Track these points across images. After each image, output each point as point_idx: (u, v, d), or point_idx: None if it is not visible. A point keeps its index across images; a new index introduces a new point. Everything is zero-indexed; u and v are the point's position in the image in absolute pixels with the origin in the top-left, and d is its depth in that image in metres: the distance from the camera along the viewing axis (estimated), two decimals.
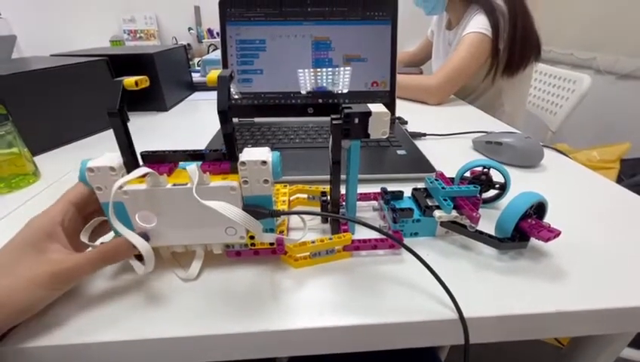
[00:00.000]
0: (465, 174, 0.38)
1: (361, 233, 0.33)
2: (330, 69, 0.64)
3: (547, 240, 0.29)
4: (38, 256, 0.23)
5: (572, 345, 0.41)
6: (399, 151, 0.51)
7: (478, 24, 0.84)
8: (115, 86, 0.25)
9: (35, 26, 1.78)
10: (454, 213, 0.32)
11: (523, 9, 0.85)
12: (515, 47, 0.85)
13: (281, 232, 0.32)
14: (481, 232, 0.31)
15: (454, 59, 0.85)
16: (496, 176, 0.38)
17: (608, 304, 0.26)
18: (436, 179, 0.35)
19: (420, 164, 0.48)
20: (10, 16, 1.37)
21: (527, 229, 0.30)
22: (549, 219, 0.31)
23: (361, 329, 0.25)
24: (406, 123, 0.68)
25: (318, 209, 0.37)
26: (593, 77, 1.05)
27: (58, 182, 0.46)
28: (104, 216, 0.27)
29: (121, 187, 0.24)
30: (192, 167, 0.24)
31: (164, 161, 0.27)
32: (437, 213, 0.32)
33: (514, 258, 0.31)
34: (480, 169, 0.39)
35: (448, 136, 0.62)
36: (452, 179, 0.38)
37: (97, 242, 0.28)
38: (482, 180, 0.39)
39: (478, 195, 0.33)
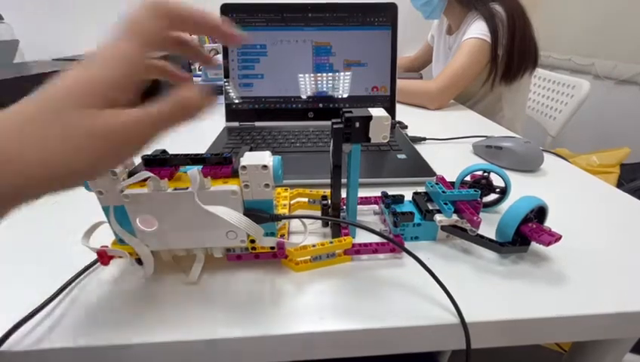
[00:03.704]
0: (465, 178, 0.39)
1: (362, 237, 0.33)
2: (330, 74, 0.65)
3: (548, 244, 0.29)
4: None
5: (573, 350, 0.41)
6: (400, 156, 0.51)
7: (477, 30, 0.85)
8: None
9: (38, 31, 1.79)
10: (455, 217, 0.32)
11: (522, 20, 0.85)
12: (513, 58, 0.86)
13: (282, 236, 0.32)
14: (482, 236, 0.31)
15: (454, 64, 0.85)
16: (497, 181, 0.38)
17: (610, 309, 0.26)
18: (437, 183, 0.35)
19: (420, 168, 0.48)
20: (13, 21, 1.38)
21: (527, 233, 0.30)
22: (549, 223, 0.31)
23: (362, 333, 0.25)
24: (406, 127, 0.68)
25: (318, 213, 0.37)
26: (592, 82, 1.06)
27: None
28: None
29: (121, 191, 0.24)
30: (193, 171, 0.24)
31: (165, 164, 0.27)
32: (438, 216, 0.32)
33: (515, 262, 0.31)
34: (480, 173, 0.39)
35: (448, 141, 0.62)
36: (452, 184, 0.38)
37: (97, 245, 0.28)
38: (482, 184, 0.39)
39: (479, 199, 0.33)
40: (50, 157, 0.16)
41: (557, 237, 0.29)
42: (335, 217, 0.33)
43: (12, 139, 0.16)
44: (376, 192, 0.38)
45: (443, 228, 0.33)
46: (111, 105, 0.17)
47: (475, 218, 0.31)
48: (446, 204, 0.32)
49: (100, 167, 0.19)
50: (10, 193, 0.16)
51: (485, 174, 0.39)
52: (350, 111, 0.28)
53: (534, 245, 0.31)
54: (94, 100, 0.17)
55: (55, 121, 0.16)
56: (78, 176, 0.18)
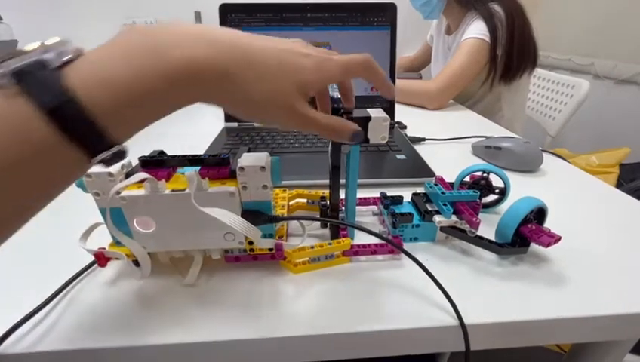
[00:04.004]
0: (464, 179, 0.38)
1: (361, 238, 0.33)
2: None
3: (547, 245, 0.29)
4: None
5: (573, 351, 0.40)
6: (399, 156, 0.51)
7: (476, 30, 0.85)
8: None
9: (36, 31, 1.79)
10: (454, 218, 0.32)
11: (521, 20, 0.85)
12: (512, 58, 0.86)
13: (280, 237, 0.31)
14: (481, 237, 0.31)
15: (453, 65, 0.85)
16: (496, 181, 0.38)
17: (609, 310, 0.26)
18: (436, 184, 0.35)
19: (419, 168, 0.48)
20: (12, 21, 1.38)
21: (527, 234, 0.30)
22: (548, 224, 0.31)
23: (360, 335, 0.25)
24: (405, 127, 0.68)
25: (317, 213, 0.37)
26: (592, 82, 1.05)
27: None
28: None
29: (118, 192, 0.24)
30: (191, 173, 0.24)
31: (162, 166, 0.27)
32: (437, 217, 0.32)
33: (514, 263, 0.31)
34: (479, 174, 0.39)
35: (448, 141, 0.62)
36: (452, 184, 0.38)
37: (95, 247, 0.28)
38: (482, 185, 0.38)
39: (478, 200, 0.33)
40: (263, 102, 0.21)
41: (556, 239, 0.29)
42: (334, 218, 0.33)
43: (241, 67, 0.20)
44: (375, 193, 0.38)
45: (442, 229, 0.33)
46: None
47: (474, 219, 0.31)
48: (445, 204, 0.32)
49: (272, 125, 0.23)
50: (203, 97, 0.20)
51: (484, 175, 0.39)
52: (349, 112, 0.28)
53: (534, 246, 0.31)
54: (307, 93, 0.22)
55: (288, 92, 0.21)
56: (253, 119, 0.23)
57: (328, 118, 0.24)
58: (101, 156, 0.17)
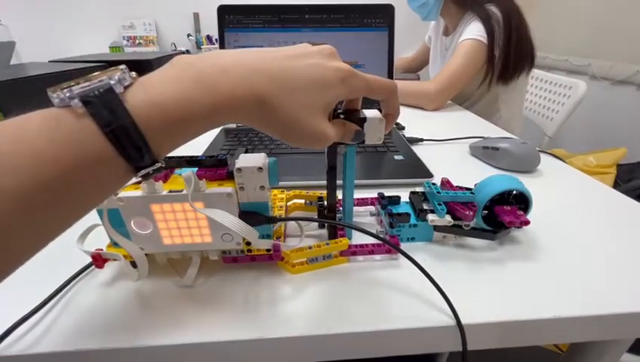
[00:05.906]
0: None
1: (358, 238, 0.33)
2: None
3: (509, 223, 0.30)
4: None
5: (571, 350, 0.41)
6: (396, 157, 0.51)
7: (473, 31, 0.85)
8: None
9: (35, 33, 1.79)
10: (448, 218, 0.32)
11: (518, 21, 0.86)
12: (510, 59, 0.87)
13: (278, 238, 0.31)
14: (474, 228, 0.31)
15: (451, 66, 0.85)
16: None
17: (606, 310, 0.26)
18: (433, 184, 0.35)
19: (417, 169, 0.48)
20: (10, 23, 1.38)
21: (498, 212, 0.31)
22: (545, 224, 0.31)
23: (358, 336, 0.25)
24: (403, 128, 0.68)
25: (315, 214, 0.37)
26: (589, 83, 1.06)
27: None
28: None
29: (116, 194, 0.24)
30: (188, 174, 0.24)
31: None
32: (430, 216, 0.32)
33: (512, 264, 0.31)
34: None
35: (445, 142, 0.62)
36: (459, 187, 0.37)
37: (93, 248, 0.28)
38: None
39: (474, 202, 0.33)
40: (289, 115, 0.22)
41: (522, 221, 0.30)
42: (331, 218, 0.33)
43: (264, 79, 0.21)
44: (373, 193, 0.38)
45: (436, 227, 0.33)
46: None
47: (466, 212, 0.31)
48: (440, 204, 0.32)
49: (285, 140, 0.24)
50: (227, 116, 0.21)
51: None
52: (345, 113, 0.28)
53: (533, 247, 0.31)
54: (328, 109, 0.24)
55: (314, 111, 0.22)
56: (288, 141, 0.23)
57: (337, 130, 0.25)
58: (144, 171, 0.19)
